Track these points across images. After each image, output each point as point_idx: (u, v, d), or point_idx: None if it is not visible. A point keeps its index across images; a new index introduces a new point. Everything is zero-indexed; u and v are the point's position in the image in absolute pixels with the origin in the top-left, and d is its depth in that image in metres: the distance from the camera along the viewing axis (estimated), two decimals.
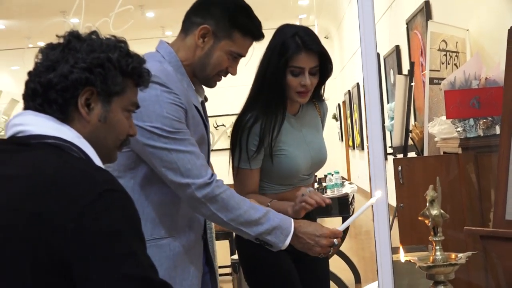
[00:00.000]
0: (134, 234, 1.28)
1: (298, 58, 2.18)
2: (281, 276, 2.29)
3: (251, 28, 1.98)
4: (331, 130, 15.35)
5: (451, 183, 3.91)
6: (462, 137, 3.81)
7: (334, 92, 14.74)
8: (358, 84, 10.44)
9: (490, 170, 3.44)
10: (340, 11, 12.33)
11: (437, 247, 2.03)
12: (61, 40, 1.41)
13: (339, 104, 15.36)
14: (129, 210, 1.29)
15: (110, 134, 1.42)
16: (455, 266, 1.98)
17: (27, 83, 1.39)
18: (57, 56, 1.37)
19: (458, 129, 3.83)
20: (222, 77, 2.04)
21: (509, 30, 2.66)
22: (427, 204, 2.01)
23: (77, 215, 1.21)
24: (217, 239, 4.57)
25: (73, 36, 1.41)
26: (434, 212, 2.02)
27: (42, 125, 1.35)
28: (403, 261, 2.07)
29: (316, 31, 11.69)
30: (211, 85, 2.05)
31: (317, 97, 2.39)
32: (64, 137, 1.33)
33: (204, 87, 2.10)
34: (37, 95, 1.36)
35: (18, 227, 1.24)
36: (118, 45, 1.43)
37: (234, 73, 2.03)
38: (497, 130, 3.46)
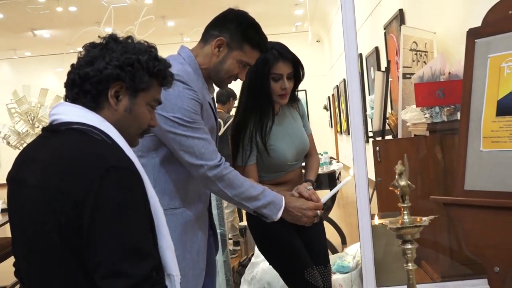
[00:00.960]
0: (134, 207, 1.27)
1: (277, 66, 2.25)
2: (286, 242, 2.31)
3: (259, 42, 2.01)
4: (322, 119, 15.30)
5: (420, 161, 3.91)
6: (429, 122, 3.81)
7: (325, 87, 14.71)
8: (344, 80, 10.47)
9: (453, 149, 3.45)
10: (330, 19, 12.26)
11: (405, 212, 2.04)
12: (102, 41, 1.42)
13: (329, 97, 15.29)
14: (132, 185, 1.28)
15: (134, 123, 1.43)
16: (419, 227, 1.99)
17: (68, 74, 1.40)
18: (96, 54, 1.38)
19: (426, 115, 3.82)
20: (233, 81, 2.07)
21: (467, 32, 2.65)
22: (396, 177, 2.02)
23: (86, 188, 1.22)
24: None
25: (112, 38, 1.42)
26: (402, 183, 2.02)
27: (71, 113, 1.36)
28: (376, 223, 2.07)
29: (309, 35, 11.65)
30: (223, 86, 2.09)
31: (292, 99, 2.41)
32: (88, 122, 1.34)
33: (214, 87, 2.12)
34: (75, 85, 1.38)
35: (44, 202, 1.26)
36: (148, 50, 1.44)
37: (242, 79, 2.08)
38: (459, 116, 3.45)
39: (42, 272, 1.29)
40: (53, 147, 1.32)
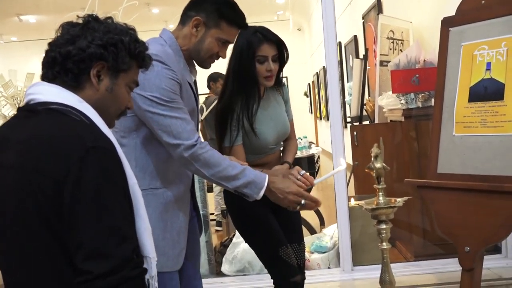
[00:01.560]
0: (115, 188, 1.24)
1: (261, 48, 2.23)
2: (261, 221, 2.30)
3: (236, 19, 1.98)
4: (302, 105, 15.28)
5: (396, 145, 3.94)
6: (404, 108, 3.83)
7: (305, 74, 14.69)
8: (324, 67, 10.40)
9: (427, 134, 3.46)
10: (310, 8, 12.20)
11: (380, 193, 2.05)
12: (81, 21, 1.37)
13: (309, 84, 15.28)
14: (111, 166, 1.25)
15: (114, 104, 1.40)
16: (394, 208, 2.01)
17: (47, 52, 1.35)
18: (77, 32, 1.33)
19: (402, 101, 3.84)
20: (215, 60, 2.02)
21: (442, 20, 2.65)
22: (372, 159, 2.02)
23: (66, 169, 1.18)
24: (209, 191, 4.57)
25: (92, 18, 1.37)
26: (378, 165, 2.04)
27: (49, 93, 1.31)
28: (353, 204, 2.08)
29: (290, 24, 11.60)
30: (206, 66, 2.04)
31: (278, 83, 2.38)
32: (65, 102, 1.30)
33: (197, 69, 2.09)
34: (56, 63, 1.33)
35: (22, 183, 1.22)
36: (129, 31, 1.40)
37: (224, 57, 2.03)
38: (433, 102, 3.47)
39: (22, 255, 1.25)
40: (30, 127, 1.28)
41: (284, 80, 15.08)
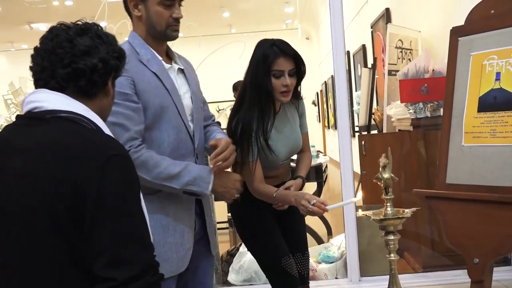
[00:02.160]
0: (135, 196, 1.25)
1: (277, 62, 2.15)
2: (264, 231, 2.28)
3: None
4: (310, 113, 15.25)
5: (404, 155, 3.91)
6: (413, 117, 3.81)
7: (313, 83, 14.69)
8: (332, 76, 10.34)
9: (436, 144, 3.44)
10: (319, 17, 12.22)
11: (388, 204, 2.03)
12: (80, 29, 1.35)
13: (317, 92, 15.28)
14: (132, 174, 1.26)
15: (109, 109, 1.47)
16: (402, 219, 1.98)
17: (69, 64, 1.31)
18: (89, 43, 1.33)
19: (410, 111, 3.82)
20: (175, 25, 1.91)
21: (451, 30, 2.64)
22: (380, 169, 2.00)
23: (87, 176, 1.18)
24: (216, 200, 4.55)
25: (96, 28, 1.38)
26: (386, 175, 2.01)
27: (55, 101, 1.30)
28: (360, 214, 2.06)
29: (299, 33, 11.61)
30: (172, 36, 1.93)
31: (295, 96, 2.31)
32: (75, 110, 1.30)
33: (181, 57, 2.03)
34: (81, 76, 1.31)
35: (34, 190, 1.21)
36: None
37: (179, 16, 1.91)
38: (442, 111, 3.45)
39: (22, 261, 1.23)
40: (40, 135, 1.26)
41: None
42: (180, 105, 1.91)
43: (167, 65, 1.94)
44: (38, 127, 1.29)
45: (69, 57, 1.31)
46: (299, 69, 2.22)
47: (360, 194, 1.98)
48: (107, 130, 1.34)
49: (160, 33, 1.90)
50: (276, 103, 2.25)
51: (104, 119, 1.39)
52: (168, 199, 1.87)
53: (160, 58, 1.93)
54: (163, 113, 1.85)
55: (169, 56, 2.01)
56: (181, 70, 2.00)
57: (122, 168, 1.23)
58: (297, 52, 2.21)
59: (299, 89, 2.33)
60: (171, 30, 1.91)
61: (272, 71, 2.16)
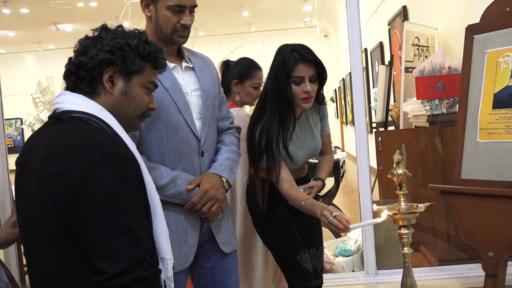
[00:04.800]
0: (128, 192, 1.26)
1: (297, 68, 2.10)
2: (281, 227, 2.30)
3: None
4: (329, 110, 15.22)
5: (421, 151, 3.89)
6: (429, 114, 3.78)
7: (331, 80, 14.63)
8: (350, 73, 10.29)
9: (451, 140, 3.42)
10: (337, 15, 12.17)
11: (402, 199, 2.03)
12: (94, 33, 1.42)
13: (335, 89, 15.22)
14: (126, 171, 1.27)
15: (131, 105, 1.42)
16: (415, 214, 1.99)
17: (65, 66, 1.41)
18: (89, 44, 1.39)
19: (426, 107, 3.80)
20: (183, 31, 1.89)
21: (466, 28, 2.62)
22: (394, 165, 2.01)
23: (84, 174, 1.22)
24: None
25: (102, 28, 1.43)
26: (400, 171, 2.02)
27: (71, 102, 1.37)
28: (374, 209, 2.06)
29: (317, 30, 11.57)
30: (178, 41, 1.91)
31: (318, 101, 2.27)
32: (87, 110, 1.34)
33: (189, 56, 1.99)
34: (72, 73, 1.39)
35: (43, 185, 1.27)
36: (138, 35, 1.43)
37: (187, 23, 1.88)
38: (457, 108, 3.42)
39: (40, 250, 1.30)
40: (55, 134, 1.33)
41: None
42: (182, 102, 1.88)
43: (171, 64, 1.91)
44: (55, 126, 1.36)
45: (69, 60, 1.40)
46: (320, 74, 2.16)
47: (385, 214, 1.92)
48: (120, 129, 1.36)
49: (166, 37, 1.88)
50: (297, 110, 2.20)
51: (125, 116, 1.41)
52: (165, 199, 1.84)
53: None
54: (160, 112, 1.84)
55: (180, 54, 1.99)
56: (190, 68, 1.97)
57: (116, 165, 1.25)
58: (317, 58, 2.15)
59: (321, 96, 2.28)
60: (177, 35, 1.89)
61: (292, 78, 2.11)
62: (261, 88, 2.47)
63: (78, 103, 1.36)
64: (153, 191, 1.37)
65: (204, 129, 1.93)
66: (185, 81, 1.93)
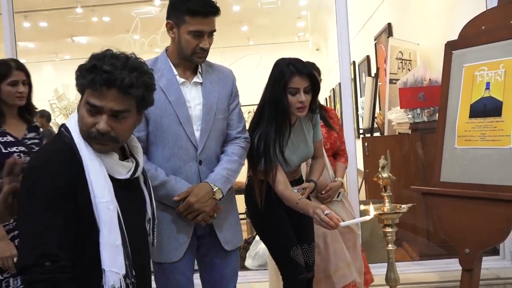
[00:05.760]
0: (37, 203, 1.28)
1: (293, 80, 2.13)
2: (276, 224, 2.30)
3: (194, 8, 1.86)
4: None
5: (403, 155, 3.90)
6: (411, 122, 3.80)
7: (322, 89, 14.62)
8: (340, 84, 10.28)
9: (432, 146, 3.40)
10: (328, 30, 12.17)
11: (387, 200, 2.03)
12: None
13: (326, 98, 15.23)
14: (41, 183, 1.29)
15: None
16: (399, 214, 1.99)
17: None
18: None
19: (409, 116, 3.81)
20: (202, 53, 1.92)
21: (446, 44, 2.63)
22: (379, 169, 2.01)
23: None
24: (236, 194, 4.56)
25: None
26: (385, 175, 2.02)
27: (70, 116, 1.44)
28: (361, 209, 2.06)
29: (310, 44, 11.56)
30: (197, 61, 1.95)
31: (311, 110, 2.27)
32: (66, 123, 1.41)
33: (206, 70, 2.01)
34: None
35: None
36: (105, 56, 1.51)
37: (206, 46, 1.92)
38: (437, 116, 3.43)
39: None
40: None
41: None
42: (184, 115, 1.91)
43: (181, 79, 1.94)
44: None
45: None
46: (314, 86, 2.18)
47: (372, 211, 1.91)
48: (78, 138, 1.37)
49: (186, 57, 1.93)
50: (292, 118, 2.22)
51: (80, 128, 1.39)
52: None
53: (176, 73, 1.94)
54: (163, 122, 1.89)
55: (196, 68, 2.01)
56: (199, 83, 1.99)
57: (28, 177, 1.31)
58: (311, 71, 2.18)
59: (314, 106, 2.28)
60: (196, 57, 1.93)
61: (288, 89, 2.13)
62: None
63: (72, 116, 1.42)
64: (101, 206, 1.32)
65: (203, 140, 1.94)
66: (191, 96, 1.96)
